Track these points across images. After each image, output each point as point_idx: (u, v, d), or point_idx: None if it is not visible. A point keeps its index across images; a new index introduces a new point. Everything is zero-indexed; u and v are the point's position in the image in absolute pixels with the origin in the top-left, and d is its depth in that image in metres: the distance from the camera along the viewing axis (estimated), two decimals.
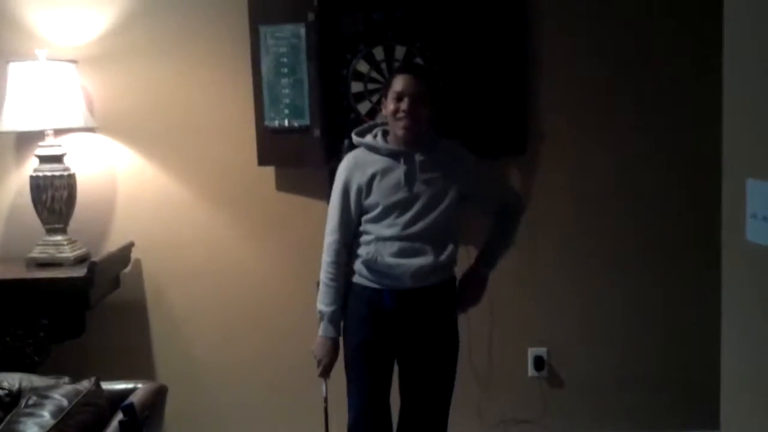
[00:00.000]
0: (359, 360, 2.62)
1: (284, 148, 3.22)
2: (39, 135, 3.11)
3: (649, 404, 3.42)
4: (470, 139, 2.99)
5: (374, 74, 3.20)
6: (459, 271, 2.72)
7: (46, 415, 1.94)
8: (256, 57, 3.18)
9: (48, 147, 3.10)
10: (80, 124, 3.13)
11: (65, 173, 3.10)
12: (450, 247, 2.59)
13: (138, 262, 3.36)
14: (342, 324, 2.64)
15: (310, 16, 3.12)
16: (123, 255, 3.26)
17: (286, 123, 3.19)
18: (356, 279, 2.60)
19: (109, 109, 3.28)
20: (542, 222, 3.30)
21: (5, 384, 2.26)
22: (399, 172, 2.53)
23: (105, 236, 3.34)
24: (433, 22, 3.18)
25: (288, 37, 3.15)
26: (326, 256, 2.61)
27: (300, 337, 3.23)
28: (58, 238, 3.12)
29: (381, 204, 2.52)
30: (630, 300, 3.38)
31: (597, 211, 3.33)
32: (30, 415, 1.93)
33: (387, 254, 2.51)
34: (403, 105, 2.48)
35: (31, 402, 2.04)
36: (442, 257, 2.55)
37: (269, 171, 3.30)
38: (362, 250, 2.56)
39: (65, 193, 3.10)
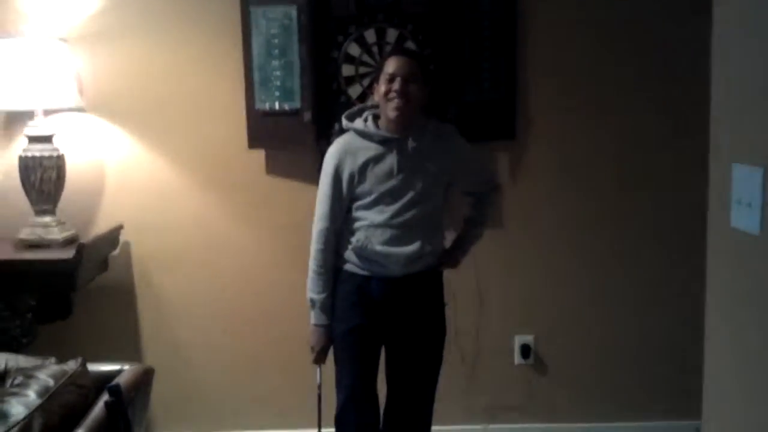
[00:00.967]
0: (348, 345, 2.62)
1: (275, 131, 3.20)
2: (28, 115, 3.09)
3: (634, 393, 3.43)
4: (460, 124, 2.97)
5: (365, 57, 3.18)
6: None
7: (31, 395, 1.93)
8: (247, 38, 3.16)
9: (37, 127, 3.08)
10: (70, 104, 3.11)
11: (54, 154, 3.08)
12: (438, 236, 2.61)
13: (127, 244, 3.35)
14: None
15: None
16: (112, 237, 3.25)
17: (277, 106, 3.18)
18: (344, 265, 2.59)
19: (99, 90, 3.26)
20: (530, 208, 3.31)
21: None
22: (391, 159, 2.51)
23: (94, 218, 3.33)
24: (425, 6, 3.16)
25: (279, 18, 3.13)
26: (316, 244, 2.59)
27: (289, 321, 3.24)
28: (47, 219, 3.11)
29: (373, 192, 2.51)
30: (617, 288, 3.38)
31: (585, 198, 3.33)
32: (15, 394, 1.92)
33: (377, 242, 2.51)
34: (395, 85, 2.46)
35: (17, 382, 2.03)
36: (431, 245, 2.56)
37: (259, 154, 3.29)
38: (352, 237, 2.55)
39: (54, 174, 3.08)
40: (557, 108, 3.28)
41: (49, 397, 1.95)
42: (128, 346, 3.37)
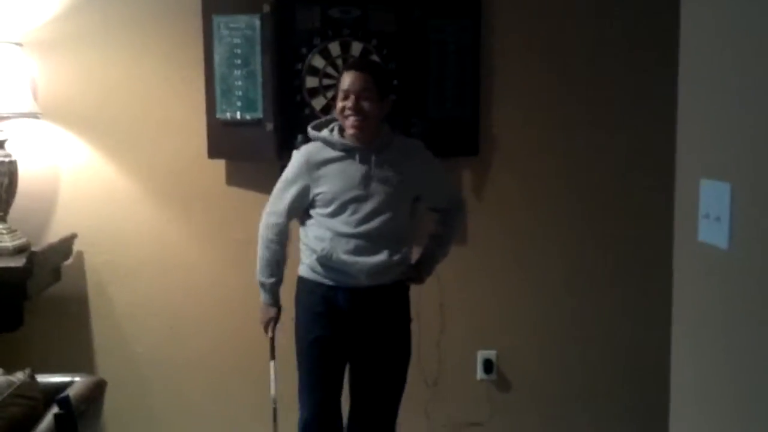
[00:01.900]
0: (313, 357, 2.60)
1: (236, 141, 3.16)
2: None
3: (597, 410, 3.43)
4: (424, 139, 2.95)
5: (330, 70, 3.16)
6: None
7: None
8: (208, 47, 3.11)
9: None
10: (24, 109, 3.03)
11: (6, 159, 2.99)
12: (404, 248, 2.59)
13: (80, 254, 3.27)
14: (294, 318, 2.64)
15: (266, 8, 3.07)
16: (64, 247, 3.17)
17: (238, 116, 3.13)
18: (309, 274, 2.58)
19: (54, 96, 3.18)
20: (493, 224, 3.30)
21: None
22: (354, 168, 2.51)
23: (46, 227, 3.24)
24: (389, 22, 3.15)
25: (242, 28, 3.09)
26: (269, 234, 2.62)
27: (247, 337, 3.19)
28: None
29: (337, 200, 2.50)
30: (581, 304, 3.39)
31: (548, 214, 3.33)
32: None
33: (342, 251, 2.49)
34: (349, 102, 2.47)
35: None
36: (397, 256, 2.54)
37: (219, 164, 3.24)
38: (317, 245, 2.53)
39: (6, 180, 2.99)
40: (520, 125, 3.29)
41: None
42: (81, 358, 3.27)
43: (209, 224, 3.30)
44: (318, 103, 3.17)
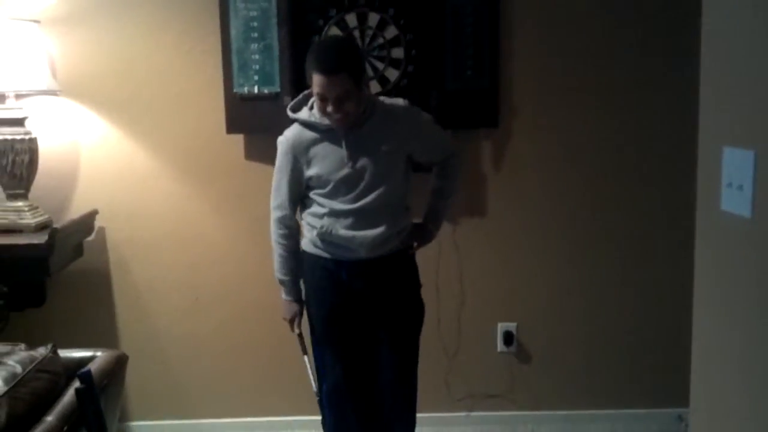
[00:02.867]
0: (329, 328, 2.61)
1: (254, 115, 3.15)
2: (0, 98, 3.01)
3: (616, 381, 3.42)
4: (442, 111, 2.95)
5: None
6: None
7: None
8: (225, 20, 3.10)
9: (9, 110, 3.00)
10: (43, 86, 3.04)
11: (26, 137, 3.01)
12: (403, 214, 2.58)
13: (102, 230, 3.29)
14: (304, 294, 2.65)
15: None
16: (86, 223, 3.19)
17: (256, 90, 3.12)
18: (311, 249, 2.58)
19: (72, 72, 3.18)
20: (513, 197, 3.28)
21: None
22: (339, 148, 2.46)
23: (68, 203, 3.26)
24: None
25: (258, 1, 3.07)
26: (278, 229, 2.60)
27: (266, 310, 3.20)
28: (19, 203, 3.04)
29: (330, 181, 2.47)
30: (600, 277, 3.36)
31: (568, 188, 3.30)
32: None
33: (341, 226, 2.48)
34: (329, 108, 2.35)
35: None
36: (397, 226, 2.53)
37: (238, 139, 3.24)
38: (316, 222, 2.52)
39: (26, 158, 3.01)
40: (541, 98, 3.25)
41: (15, 384, 1.90)
42: (103, 333, 3.31)
43: (228, 199, 3.30)
44: None
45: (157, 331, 3.35)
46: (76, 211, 3.22)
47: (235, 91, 3.13)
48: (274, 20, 3.07)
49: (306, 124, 2.50)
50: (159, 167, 3.26)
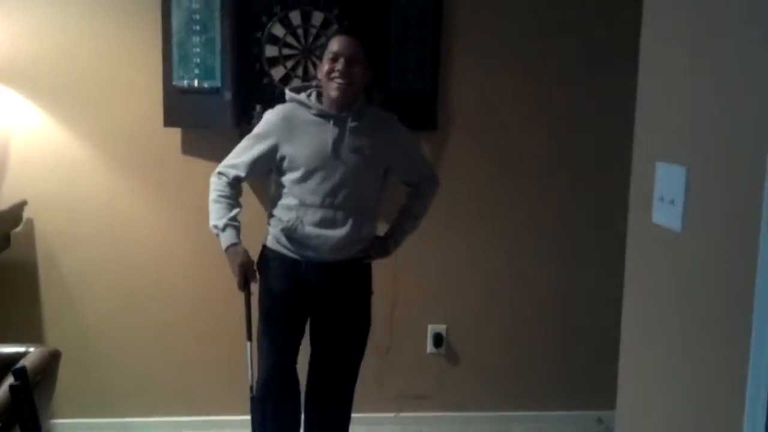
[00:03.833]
0: (274, 320, 2.61)
1: (192, 109, 3.12)
2: None
3: (542, 384, 3.52)
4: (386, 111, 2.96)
5: (290, 39, 3.13)
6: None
7: None
8: (166, 11, 3.05)
9: None
10: None
11: None
12: (370, 222, 2.61)
13: (30, 221, 3.20)
14: (259, 282, 2.59)
15: None
16: (14, 213, 3.10)
17: (196, 83, 3.09)
18: (274, 246, 2.58)
19: (5, 57, 3.09)
20: (448, 201, 3.31)
21: None
22: (327, 133, 2.50)
23: None
24: None
25: None
26: (224, 178, 2.55)
27: (200, 306, 3.17)
28: None
29: (305, 166, 2.48)
30: (530, 281, 3.45)
31: (502, 192, 3.37)
32: None
33: (308, 223, 2.49)
34: (338, 65, 2.46)
35: None
36: (362, 231, 2.56)
37: (175, 133, 3.19)
38: (284, 215, 2.52)
39: None
40: (480, 102, 3.31)
41: None
42: (30, 327, 3.23)
43: (163, 193, 3.25)
44: (277, 72, 3.14)
45: (86, 327, 3.28)
46: (4, 201, 3.12)
47: (174, 83, 3.09)
48: (217, 13, 3.04)
49: (302, 104, 2.55)
50: (93, 158, 3.19)
